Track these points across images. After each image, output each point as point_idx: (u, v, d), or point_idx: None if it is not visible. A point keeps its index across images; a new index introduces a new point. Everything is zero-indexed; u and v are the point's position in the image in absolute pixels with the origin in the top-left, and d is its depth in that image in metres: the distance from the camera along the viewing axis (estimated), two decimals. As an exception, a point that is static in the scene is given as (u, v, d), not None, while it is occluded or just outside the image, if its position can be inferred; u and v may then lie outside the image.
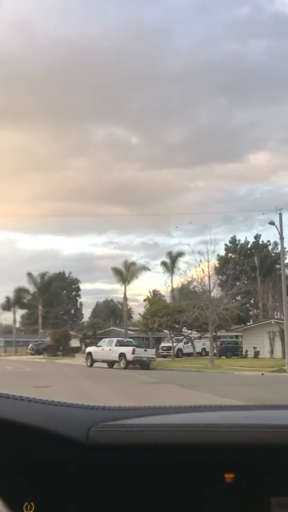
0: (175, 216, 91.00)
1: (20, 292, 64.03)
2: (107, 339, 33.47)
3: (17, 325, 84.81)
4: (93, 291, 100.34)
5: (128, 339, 34.42)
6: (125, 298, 45.85)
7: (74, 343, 53.81)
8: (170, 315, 35.20)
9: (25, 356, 53.58)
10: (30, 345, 59.46)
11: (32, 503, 0.85)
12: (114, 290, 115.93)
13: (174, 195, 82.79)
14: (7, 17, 70.91)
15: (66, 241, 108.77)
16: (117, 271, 45.60)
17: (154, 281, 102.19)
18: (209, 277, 31.57)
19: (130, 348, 29.68)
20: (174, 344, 39.86)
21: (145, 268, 46.69)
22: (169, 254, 47.17)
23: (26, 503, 0.84)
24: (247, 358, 36.92)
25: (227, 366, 29.11)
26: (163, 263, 47.03)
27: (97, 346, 32.58)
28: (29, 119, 76.85)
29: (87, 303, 75.52)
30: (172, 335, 38.98)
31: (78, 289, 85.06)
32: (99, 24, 74.63)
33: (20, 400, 0.88)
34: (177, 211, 77.69)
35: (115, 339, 32.26)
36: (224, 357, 38.31)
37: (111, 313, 75.53)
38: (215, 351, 38.89)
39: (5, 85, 70.21)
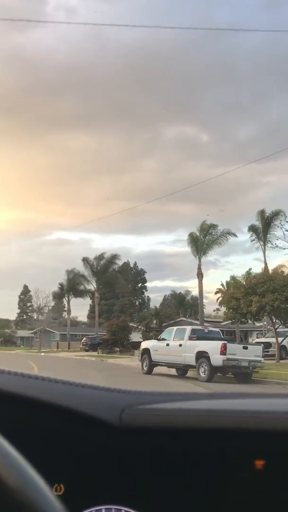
0: (246, 212, 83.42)
1: (75, 278, 51.24)
2: (174, 327, 18.89)
3: (84, 319, 74.96)
4: (163, 288, 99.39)
5: (212, 329, 19.49)
6: (199, 273, 31.07)
7: (136, 337, 40.21)
8: (277, 291, 20.14)
9: (76, 352, 40.77)
10: (84, 339, 46.65)
11: (62, 485, 0.81)
12: (183, 287, 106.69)
13: (245, 191, 78.00)
14: (80, 25, 71.29)
15: (137, 240, 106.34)
16: (192, 239, 30.84)
17: (224, 279, 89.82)
18: None
19: (218, 344, 14.96)
20: (273, 339, 24.73)
21: (230, 233, 31.47)
22: (261, 214, 31.59)
23: (56, 485, 0.81)
24: None
25: None
26: (252, 228, 31.61)
27: (159, 340, 18.17)
28: (100, 123, 75.84)
29: (156, 300, 67.44)
30: (275, 325, 23.40)
31: (144, 280, 76.32)
32: (168, 25, 73.39)
33: (54, 382, 0.85)
34: (249, 207, 71.57)
35: (188, 328, 17.58)
36: None
37: (180, 304, 61.09)
38: None
39: (78, 90, 70.34)
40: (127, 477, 0.84)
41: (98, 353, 37.41)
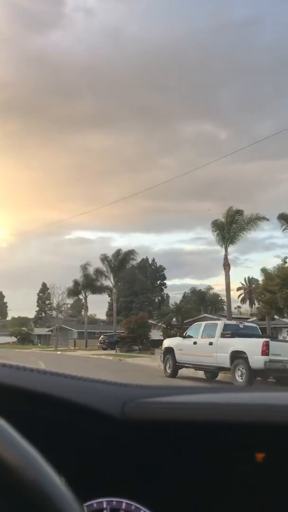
0: (265, 209, 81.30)
1: (91, 273, 48.76)
2: (203, 323, 16.12)
3: (104, 316, 72.82)
4: (182, 286, 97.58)
5: (248, 324, 16.66)
6: (226, 263, 28.21)
7: (156, 334, 37.61)
8: None
9: (94, 350, 38.36)
10: (101, 337, 44.24)
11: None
12: (203, 285, 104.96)
13: (264, 188, 75.80)
14: (97, 25, 73.47)
15: (156, 238, 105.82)
16: (217, 226, 27.96)
17: (244, 277, 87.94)
18: None
19: (258, 342, 12.18)
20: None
21: (259, 218, 28.43)
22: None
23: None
24: None
25: None
26: (282, 217, 28.70)
27: (184, 337, 15.48)
28: (118, 121, 74.92)
29: (176, 298, 65.23)
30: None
31: (164, 277, 73.89)
32: (185, 22, 72.47)
33: (56, 376, 0.86)
34: (267, 203, 68.94)
35: (220, 323, 14.82)
36: None
37: (201, 301, 58.08)
38: None
39: (95, 90, 69.76)
40: (128, 470, 0.84)
41: (116, 351, 34.94)
